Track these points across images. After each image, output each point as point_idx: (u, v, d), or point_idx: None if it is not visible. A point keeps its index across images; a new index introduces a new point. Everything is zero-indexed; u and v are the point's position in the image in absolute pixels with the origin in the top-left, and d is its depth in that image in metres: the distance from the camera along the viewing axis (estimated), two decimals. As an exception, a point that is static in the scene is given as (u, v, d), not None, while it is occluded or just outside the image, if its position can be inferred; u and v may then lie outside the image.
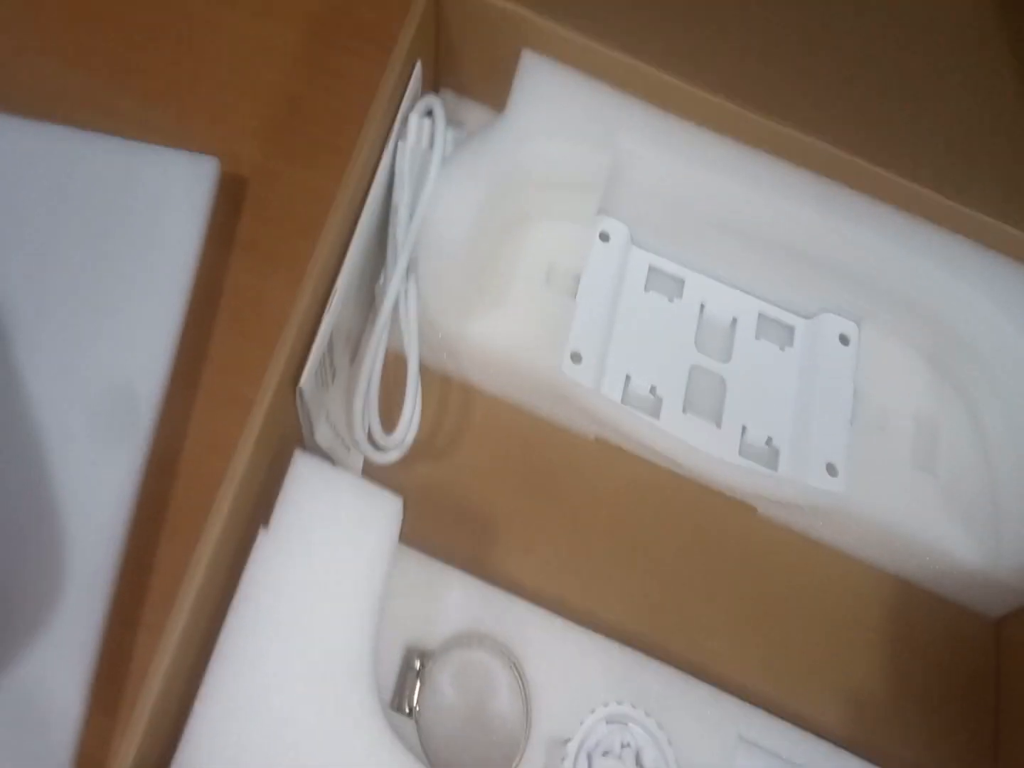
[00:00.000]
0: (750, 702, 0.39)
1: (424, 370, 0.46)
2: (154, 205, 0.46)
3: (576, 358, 0.46)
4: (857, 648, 0.43)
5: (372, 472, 0.43)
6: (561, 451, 0.46)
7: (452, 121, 0.46)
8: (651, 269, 0.51)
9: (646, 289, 0.50)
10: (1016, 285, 0.45)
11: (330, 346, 0.39)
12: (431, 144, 0.44)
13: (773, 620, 0.43)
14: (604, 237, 0.51)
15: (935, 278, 0.46)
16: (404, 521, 0.36)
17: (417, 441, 0.44)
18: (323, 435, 0.40)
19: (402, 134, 0.44)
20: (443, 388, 0.47)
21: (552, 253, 0.49)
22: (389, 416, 0.42)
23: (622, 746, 0.36)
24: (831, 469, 0.45)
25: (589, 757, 0.36)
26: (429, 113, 0.45)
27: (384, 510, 0.36)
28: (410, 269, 0.43)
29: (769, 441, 0.47)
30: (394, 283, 0.43)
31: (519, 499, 0.45)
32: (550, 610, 0.40)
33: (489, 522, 0.44)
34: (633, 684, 0.38)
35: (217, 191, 0.47)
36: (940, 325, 0.47)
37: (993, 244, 0.46)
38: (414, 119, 0.45)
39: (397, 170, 0.44)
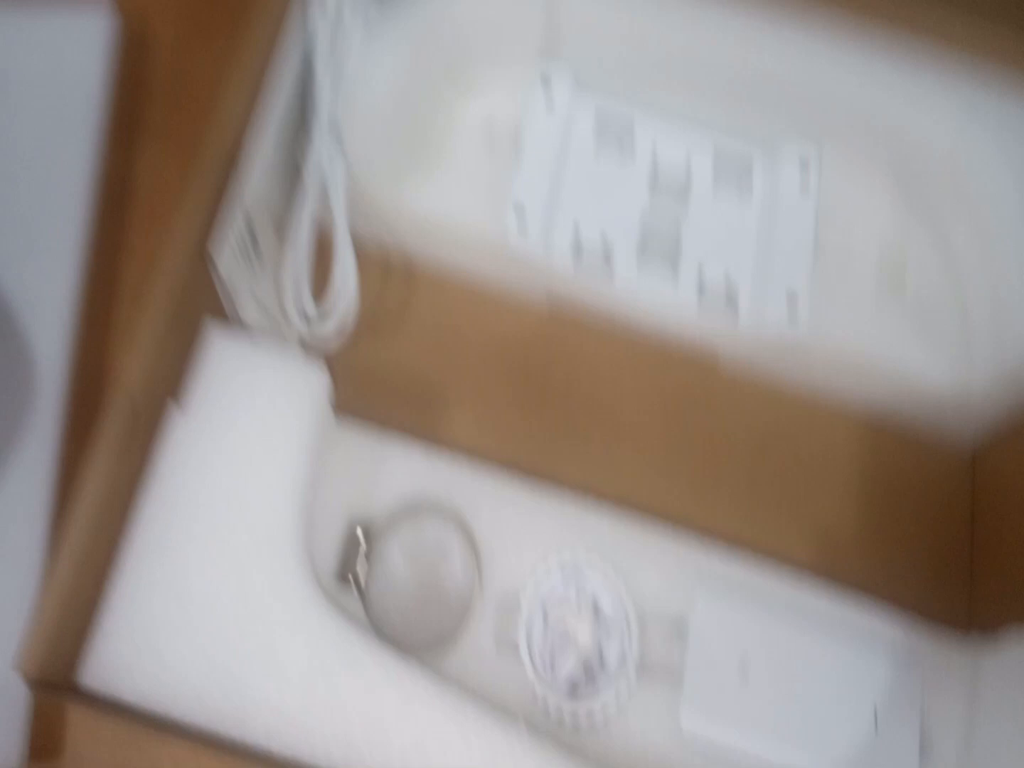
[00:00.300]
0: (722, 541, 0.38)
1: (363, 246, 0.44)
2: (45, 79, 0.42)
3: (519, 211, 0.44)
4: (828, 486, 0.42)
5: (313, 353, 0.42)
6: (512, 319, 0.45)
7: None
8: (599, 111, 0.48)
9: (595, 133, 0.47)
10: (987, 90, 0.42)
11: (249, 221, 0.37)
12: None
13: (739, 466, 0.42)
14: (546, 81, 0.47)
15: (897, 87, 0.43)
16: (342, 393, 0.35)
17: (359, 319, 0.43)
18: (250, 313, 0.39)
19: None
20: (384, 263, 0.45)
21: (491, 106, 0.46)
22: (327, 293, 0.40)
23: (577, 593, 0.35)
24: (792, 299, 0.43)
25: (544, 606, 0.35)
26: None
27: (306, 379, 0.34)
28: (335, 136, 0.41)
29: (728, 278, 0.44)
30: (317, 149, 0.40)
31: (469, 370, 0.43)
32: (501, 471, 0.39)
33: (438, 394, 0.42)
34: (588, 533, 0.37)
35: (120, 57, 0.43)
36: (905, 138, 0.44)
37: (960, 44, 0.42)
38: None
39: (310, 32, 0.41)
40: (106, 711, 0.30)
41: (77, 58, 0.42)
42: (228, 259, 0.35)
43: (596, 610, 0.36)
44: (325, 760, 0.30)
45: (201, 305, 0.36)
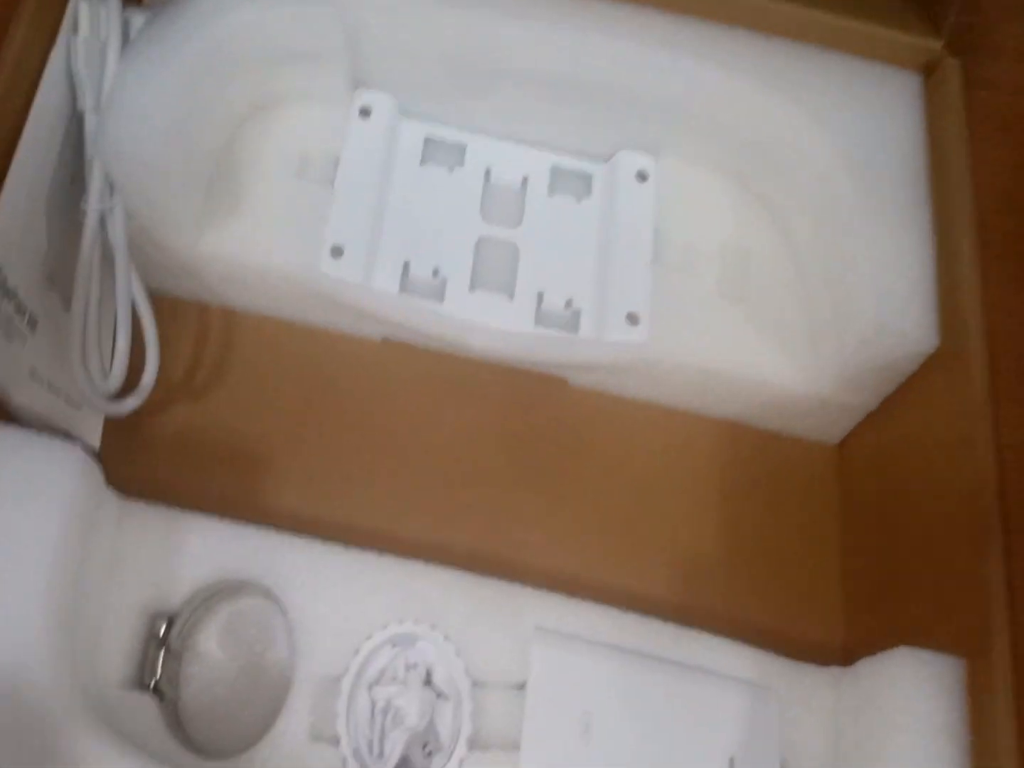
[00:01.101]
0: (564, 589, 0.35)
1: (173, 301, 0.40)
2: None
3: (337, 252, 0.40)
4: (687, 504, 0.40)
5: (120, 428, 0.38)
6: (342, 361, 0.41)
7: (132, 2, 0.39)
8: (427, 140, 0.45)
9: (422, 163, 0.44)
10: (812, 74, 0.40)
11: (5, 285, 0.33)
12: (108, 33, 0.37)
13: (591, 497, 0.40)
14: (365, 113, 0.44)
15: (729, 88, 0.41)
16: (144, 468, 0.31)
17: (174, 380, 0.39)
18: (31, 396, 0.35)
19: (73, 26, 0.37)
20: (200, 317, 0.41)
21: (304, 140, 0.43)
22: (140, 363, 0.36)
23: (407, 668, 0.32)
24: (632, 319, 0.40)
25: (370, 688, 0.32)
26: (103, -3, 0.38)
27: (55, 462, 0.30)
28: (108, 184, 0.37)
29: (569, 304, 0.42)
30: (91, 202, 0.37)
31: (296, 424, 0.40)
32: (333, 539, 0.35)
33: (260, 457, 0.39)
34: (420, 601, 0.33)
35: None
36: (739, 138, 0.42)
37: (781, 30, 0.40)
38: (84, 7, 0.38)
39: (72, 69, 0.37)
40: None
41: None
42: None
43: (429, 684, 0.32)
44: None
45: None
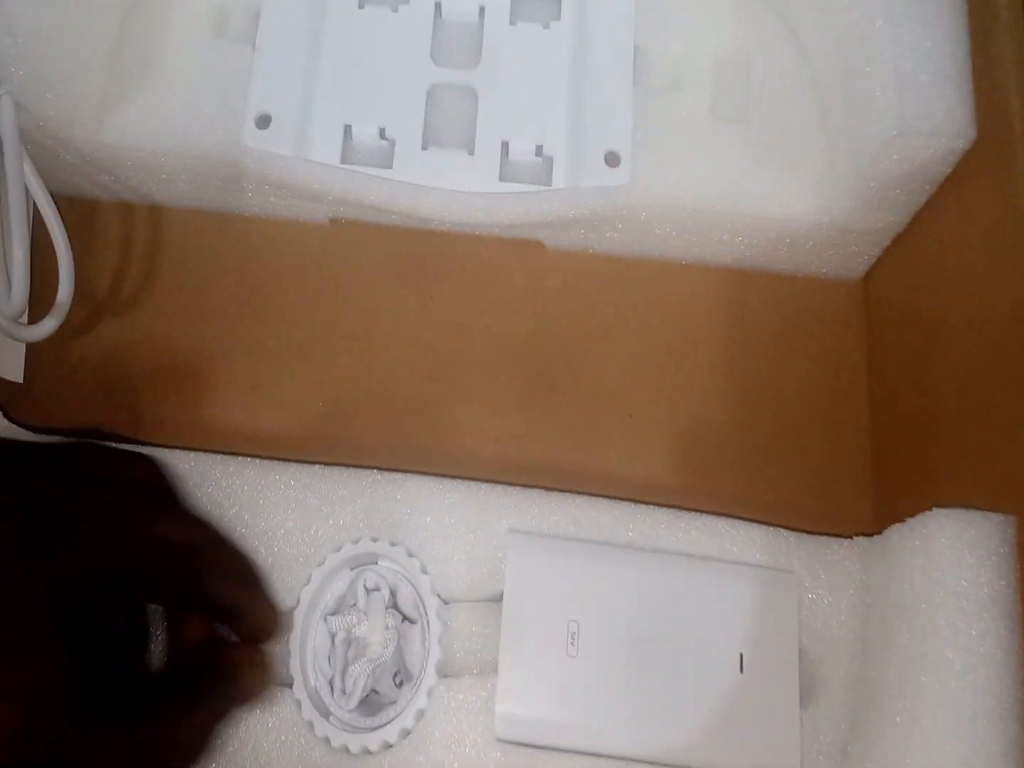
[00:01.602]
0: (545, 483, 0.30)
1: (90, 203, 0.36)
2: None
3: (263, 122, 0.35)
4: (689, 372, 0.34)
5: (45, 357, 0.34)
6: (285, 250, 0.36)
7: None
8: (366, -29, 0.38)
9: (360, 5, 0.38)
10: None
11: None
12: None
13: (576, 373, 0.35)
14: (286, -48, 0.38)
15: None
16: (60, 397, 0.27)
17: (99, 294, 0.35)
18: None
19: None
20: (123, 218, 0.37)
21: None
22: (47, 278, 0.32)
23: (367, 593, 0.28)
24: (611, 159, 0.34)
25: (326, 619, 0.28)
26: None
27: None
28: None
29: (539, 151, 0.36)
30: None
31: (237, 328, 0.35)
32: (282, 454, 0.31)
33: (199, 370, 0.34)
34: (375, 512, 0.29)
35: None
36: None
37: None
38: None
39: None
40: None
41: None
42: None
43: (394, 607, 0.29)
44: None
45: None
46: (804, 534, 0.30)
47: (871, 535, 0.30)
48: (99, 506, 0.24)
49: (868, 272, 0.36)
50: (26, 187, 0.33)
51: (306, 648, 0.28)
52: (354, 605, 0.28)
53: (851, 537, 0.31)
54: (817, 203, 0.32)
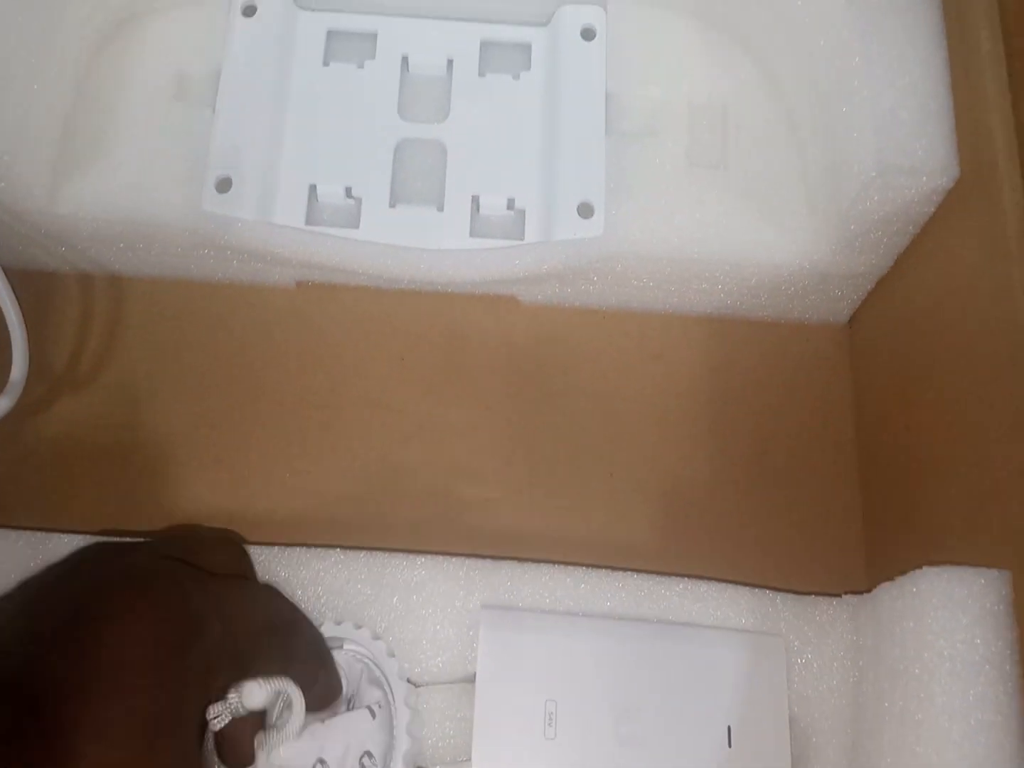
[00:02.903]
0: (521, 552, 0.29)
1: (48, 276, 0.35)
2: None
3: (223, 186, 0.34)
4: (670, 427, 0.33)
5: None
6: (250, 318, 0.35)
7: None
8: (330, 34, 0.38)
9: (325, 62, 0.37)
10: None
11: None
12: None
13: (554, 432, 0.33)
14: (249, 11, 0.37)
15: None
16: (22, 486, 0.26)
17: (56, 371, 0.33)
18: None
19: None
20: (82, 291, 0.36)
21: (179, 55, 0.36)
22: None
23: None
24: (585, 210, 0.33)
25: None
26: None
27: None
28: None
29: (511, 204, 0.34)
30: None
31: (203, 401, 0.34)
32: (245, 535, 0.30)
33: (162, 448, 0.33)
34: (340, 593, 0.28)
35: None
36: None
37: None
38: None
39: None
40: None
41: None
42: None
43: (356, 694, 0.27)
44: None
45: None
46: (791, 594, 0.28)
47: (862, 592, 0.28)
48: (216, 596, 0.23)
49: (853, 316, 0.34)
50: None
51: None
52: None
53: (840, 595, 0.29)
54: (798, 248, 0.31)
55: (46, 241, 0.34)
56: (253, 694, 0.23)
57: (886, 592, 0.26)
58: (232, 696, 0.23)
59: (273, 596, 0.26)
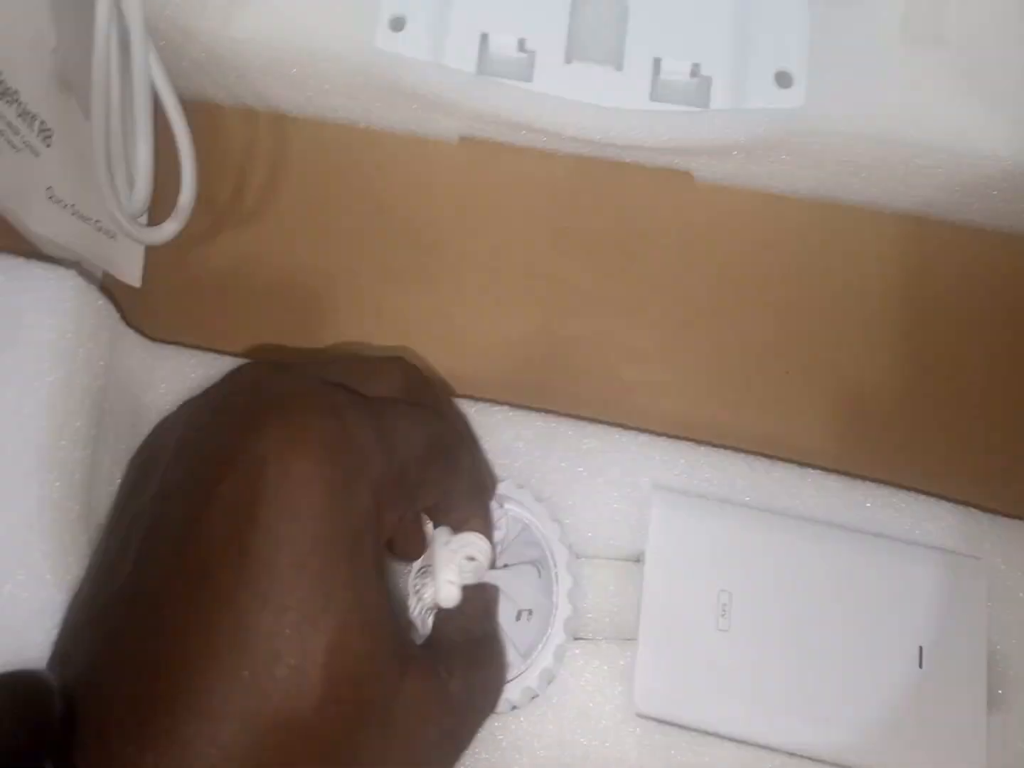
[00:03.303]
0: (693, 436, 0.28)
1: (215, 108, 0.34)
2: None
3: (397, 24, 0.32)
4: (856, 329, 0.30)
5: (164, 264, 0.33)
6: (412, 168, 0.34)
7: None
8: None
9: (506, -97, 0.34)
10: None
11: (2, 84, 0.28)
12: None
13: (727, 323, 0.31)
14: None
15: None
16: (178, 312, 0.26)
17: (220, 204, 0.33)
18: (52, 222, 0.30)
19: None
20: (247, 125, 0.35)
21: None
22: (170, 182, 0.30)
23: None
24: (782, 79, 0.30)
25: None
26: None
27: (46, 293, 0.25)
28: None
29: (696, 70, 0.32)
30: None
31: (360, 248, 0.33)
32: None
33: (318, 289, 0.33)
34: (507, 451, 0.27)
35: None
36: None
37: None
38: None
39: None
40: None
41: None
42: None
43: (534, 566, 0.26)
44: None
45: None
46: (997, 516, 0.27)
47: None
48: (378, 424, 0.22)
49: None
50: (152, 82, 0.31)
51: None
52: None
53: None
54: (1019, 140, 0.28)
55: (216, 67, 0.33)
56: (450, 594, 0.23)
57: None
58: (427, 595, 0.23)
59: (436, 419, 0.25)
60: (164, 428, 0.25)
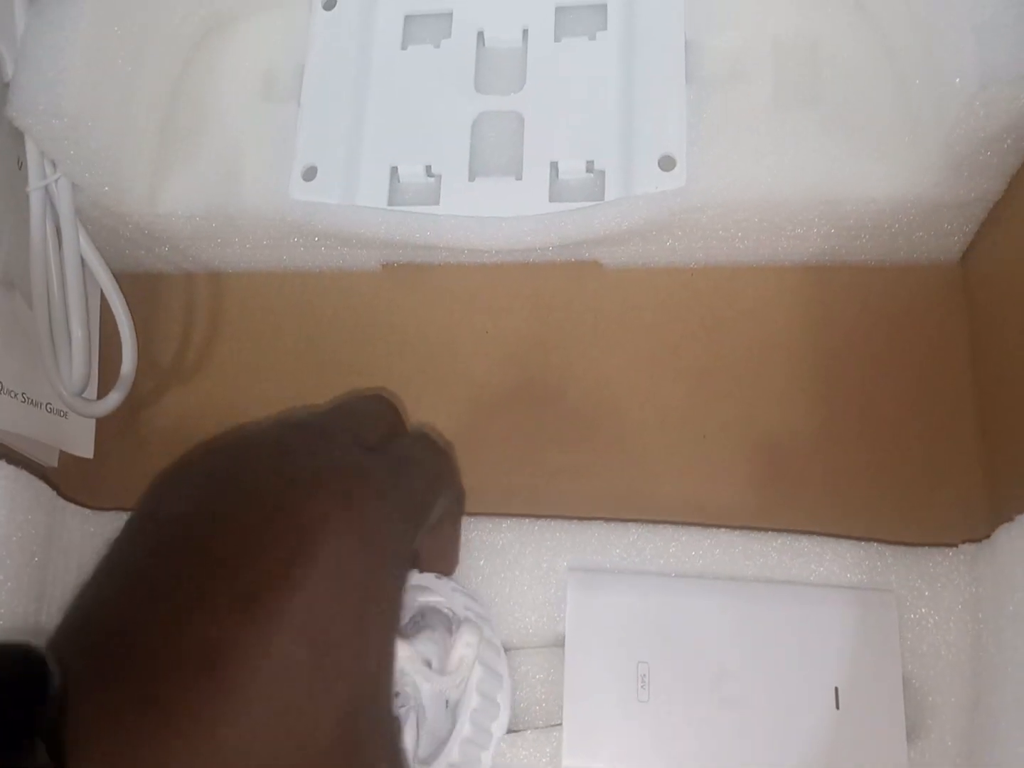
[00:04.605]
0: (612, 514, 0.28)
1: (155, 277, 0.36)
2: None
3: (309, 174, 0.35)
4: (768, 382, 0.31)
5: (113, 431, 0.34)
6: (339, 301, 0.36)
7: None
8: (407, 18, 0.38)
9: (403, 46, 0.37)
10: None
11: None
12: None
13: (643, 398, 0.31)
14: (328, 5, 0.38)
15: None
16: (136, 475, 0.27)
17: (163, 365, 0.35)
18: (3, 413, 0.32)
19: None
20: (186, 288, 0.37)
21: (266, 54, 0.38)
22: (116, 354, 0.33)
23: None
24: (666, 163, 0.31)
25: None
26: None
27: None
28: (45, 153, 0.33)
29: (590, 167, 0.33)
30: (32, 181, 0.33)
31: (299, 383, 0.35)
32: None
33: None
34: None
35: None
36: None
37: None
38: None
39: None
40: None
41: None
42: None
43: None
44: None
45: None
46: (901, 546, 0.26)
47: (980, 541, 0.26)
48: (395, 480, 0.22)
49: (965, 252, 0.31)
50: (85, 264, 0.33)
51: None
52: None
53: (956, 545, 0.26)
54: (900, 180, 0.29)
55: (148, 241, 0.35)
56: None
57: (1005, 533, 0.24)
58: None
59: (428, 446, 0.26)
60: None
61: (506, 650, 0.27)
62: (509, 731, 0.26)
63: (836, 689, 0.25)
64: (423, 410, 0.33)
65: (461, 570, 0.28)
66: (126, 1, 0.33)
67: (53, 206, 0.34)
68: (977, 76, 0.24)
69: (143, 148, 0.34)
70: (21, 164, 0.34)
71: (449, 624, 0.25)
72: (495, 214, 0.33)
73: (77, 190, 0.34)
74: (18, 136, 0.34)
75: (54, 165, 0.34)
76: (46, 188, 0.33)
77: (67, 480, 0.33)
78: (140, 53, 0.34)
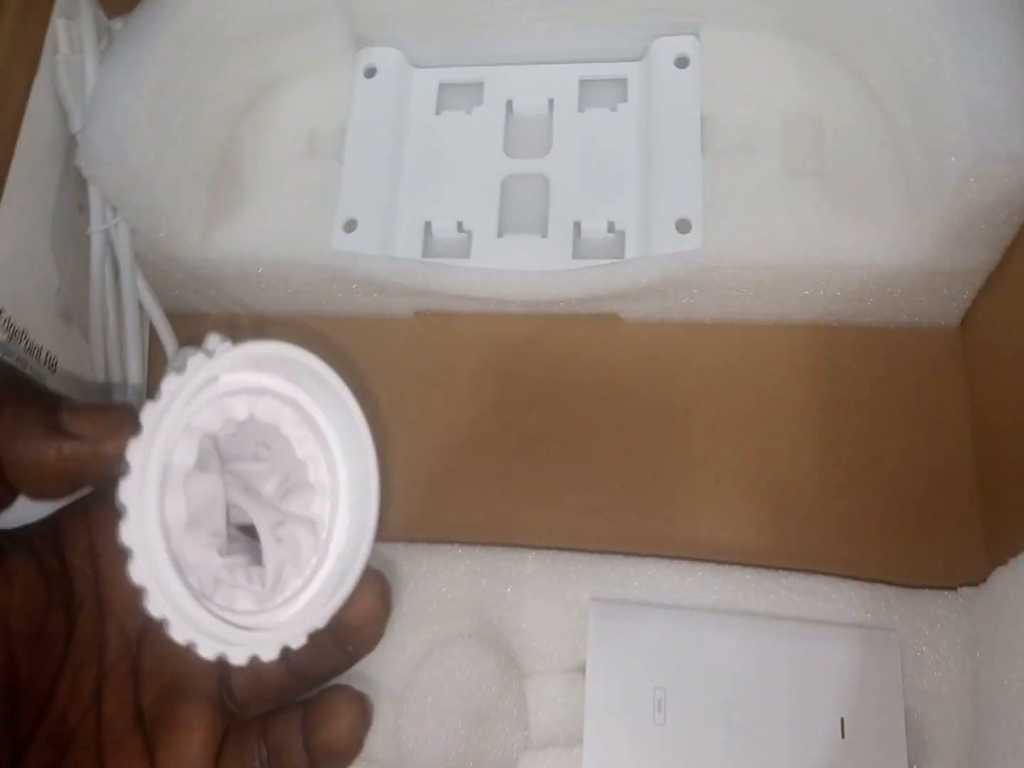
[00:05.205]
0: (629, 549, 0.30)
1: (201, 318, 0.39)
2: None
3: (350, 226, 0.37)
4: (776, 434, 0.33)
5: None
6: (373, 345, 0.38)
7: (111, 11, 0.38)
8: (441, 86, 0.41)
9: (438, 112, 0.40)
10: None
11: (11, 326, 0.33)
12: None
13: (659, 443, 0.33)
14: (369, 73, 0.41)
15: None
16: None
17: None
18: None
19: (54, 46, 0.36)
20: (230, 330, 0.39)
21: (311, 114, 0.40)
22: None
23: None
24: (682, 226, 0.34)
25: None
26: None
27: None
28: (107, 200, 0.36)
29: (612, 227, 0.36)
30: (94, 224, 0.36)
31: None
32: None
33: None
34: (458, 585, 0.29)
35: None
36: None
37: None
38: (61, 24, 0.37)
39: (58, 91, 0.36)
40: None
41: None
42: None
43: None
44: None
45: None
46: (904, 588, 0.28)
47: (977, 584, 0.27)
48: None
49: (964, 318, 0.34)
50: (141, 304, 0.36)
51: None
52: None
53: (955, 588, 0.28)
54: (901, 248, 0.31)
55: (198, 284, 0.38)
56: None
57: (1000, 576, 0.26)
58: None
59: None
60: None
61: (530, 675, 0.29)
62: (530, 748, 0.28)
63: (842, 720, 0.26)
64: (450, 447, 0.35)
65: (488, 597, 0.29)
66: (184, 65, 0.35)
67: (112, 248, 0.36)
68: (971, 154, 0.27)
69: (197, 199, 0.37)
70: (83, 208, 0.37)
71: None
72: (521, 268, 0.35)
73: (135, 234, 0.36)
74: (80, 183, 0.36)
75: (114, 211, 0.36)
76: (106, 232, 0.36)
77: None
78: (196, 112, 0.36)
